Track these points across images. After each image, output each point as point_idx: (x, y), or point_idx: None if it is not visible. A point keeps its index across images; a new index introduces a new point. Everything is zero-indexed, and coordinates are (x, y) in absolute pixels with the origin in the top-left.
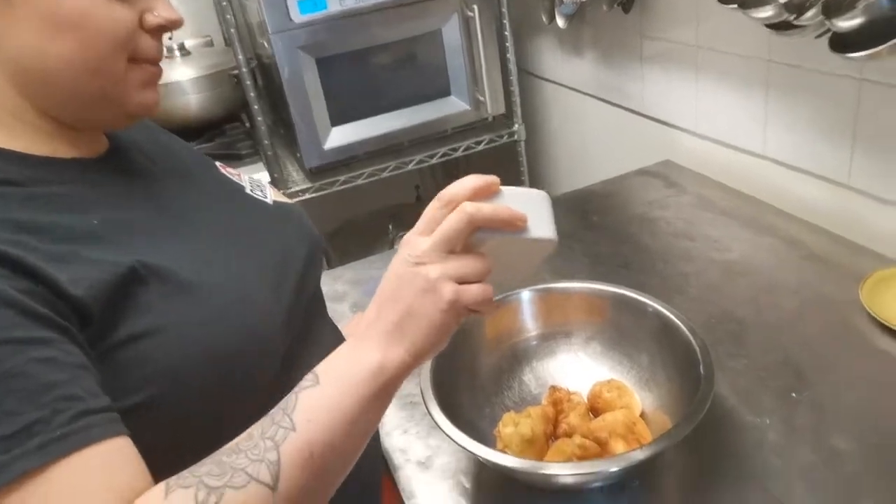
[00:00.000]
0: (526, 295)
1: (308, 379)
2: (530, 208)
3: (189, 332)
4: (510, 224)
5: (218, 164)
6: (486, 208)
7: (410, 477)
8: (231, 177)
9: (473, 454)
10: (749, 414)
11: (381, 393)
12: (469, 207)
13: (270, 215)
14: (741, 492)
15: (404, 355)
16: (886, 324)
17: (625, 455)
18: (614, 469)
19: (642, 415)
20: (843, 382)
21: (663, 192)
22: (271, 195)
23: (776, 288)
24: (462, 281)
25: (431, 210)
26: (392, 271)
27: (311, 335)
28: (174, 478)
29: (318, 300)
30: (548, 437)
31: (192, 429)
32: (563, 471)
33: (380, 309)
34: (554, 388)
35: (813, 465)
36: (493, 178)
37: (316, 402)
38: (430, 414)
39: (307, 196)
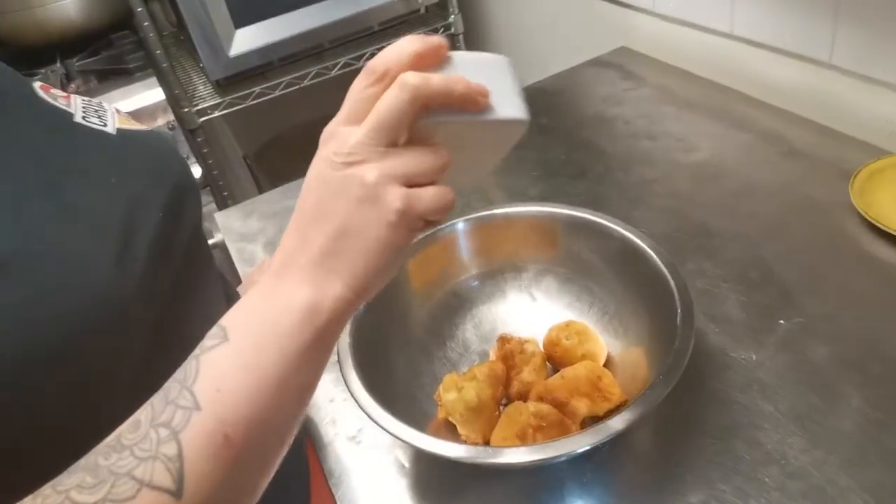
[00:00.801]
0: (461, 226)
1: (212, 336)
2: (491, 79)
3: None
4: (468, 101)
5: (37, 84)
6: (434, 80)
7: (340, 454)
8: (54, 101)
9: (404, 441)
10: (732, 349)
11: (317, 342)
12: (412, 79)
13: (110, 149)
14: (728, 448)
15: (343, 290)
16: (881, 226)
17: (592, 430)
18: (579, 451)
19: (608, 362)
20: (838, 301)
21: (619, 86)
22: (115, 122)
23: (753, 192)
24: (411, 183)
25: (359, 88)
26: (314, 178)
27: (190, 295)
28: (28, 498)
29: (196, 251)
30: (498, 401)
31: (45, 437)
32: (515, 458)
33: (303, 232)
34: (503, 339)
35: (811, 410)
36: (438, 40)
37: (227, 366)
38: (349, 387)
39: (219, 113)
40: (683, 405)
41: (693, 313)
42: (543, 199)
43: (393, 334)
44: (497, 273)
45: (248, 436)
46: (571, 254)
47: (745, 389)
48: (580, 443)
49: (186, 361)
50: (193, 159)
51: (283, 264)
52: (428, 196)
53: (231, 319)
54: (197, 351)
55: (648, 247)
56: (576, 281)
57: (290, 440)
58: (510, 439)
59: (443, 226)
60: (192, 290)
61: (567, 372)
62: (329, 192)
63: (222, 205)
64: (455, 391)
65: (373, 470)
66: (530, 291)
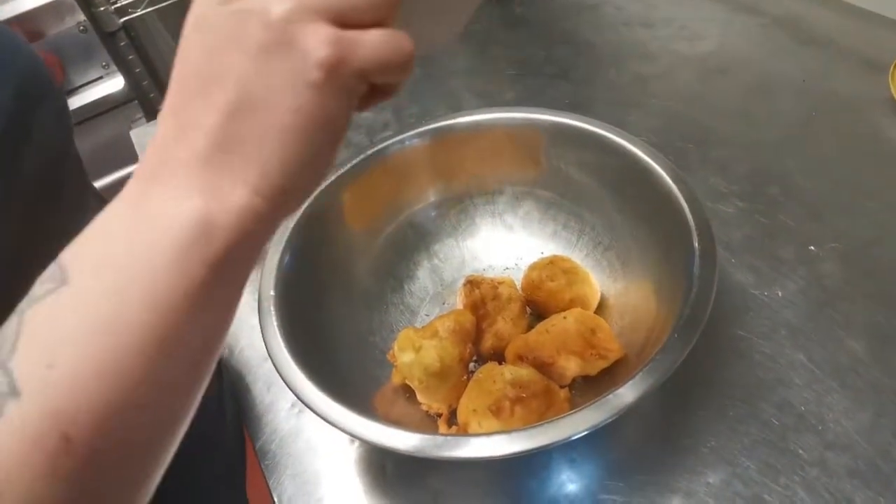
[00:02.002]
0: (416, 140)
1: (45, 280)
2: None
3: None
4: None
5: None
6: None
7: (278, 427)
8: None
9: (337, 427)
10: (752, 285)
11: (213, 278)
12: None
13: None
14: (751, 412)
15: (248, 196)
16: None
17: (592, 407)
18: (575, 437)
19: (602, 306)
20: (881, 221)
21: None
22: None
23: (769, 89)
24: (344, 20)
25: None
26: (193, 25)
27: (46, 247)
28: None
29: (59, 183)
30: (466, 362)
31: None
32: (488, 450)
33: (183, 112)
34: (472, 282)
35: (853, 361)
36: None
37: (64, 325)
38: (269, 352)
39: (144, 11)
40: (694, 359)
41: (715, 249)
42: (519, 102)
43: (332, 282)
44: (464, 198)
45: (104, 432)
46: (557, 172)
47: (770, 336)
48: (576, 426)
49: (7, 322)
50: (114, 68)
51: (157, 163)
52: (371, 41)
53: (74, 252)
54: (22, 304)
55: (655, 161)
56: (562, 206)
57: (184, 424)
58: (481, 413)
59: (391, 141)
60: (50, 239)
61: (553, 325)
62: (216, 42)
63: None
64: (412, 352)
65: (318, 446)
66: (505, 220)
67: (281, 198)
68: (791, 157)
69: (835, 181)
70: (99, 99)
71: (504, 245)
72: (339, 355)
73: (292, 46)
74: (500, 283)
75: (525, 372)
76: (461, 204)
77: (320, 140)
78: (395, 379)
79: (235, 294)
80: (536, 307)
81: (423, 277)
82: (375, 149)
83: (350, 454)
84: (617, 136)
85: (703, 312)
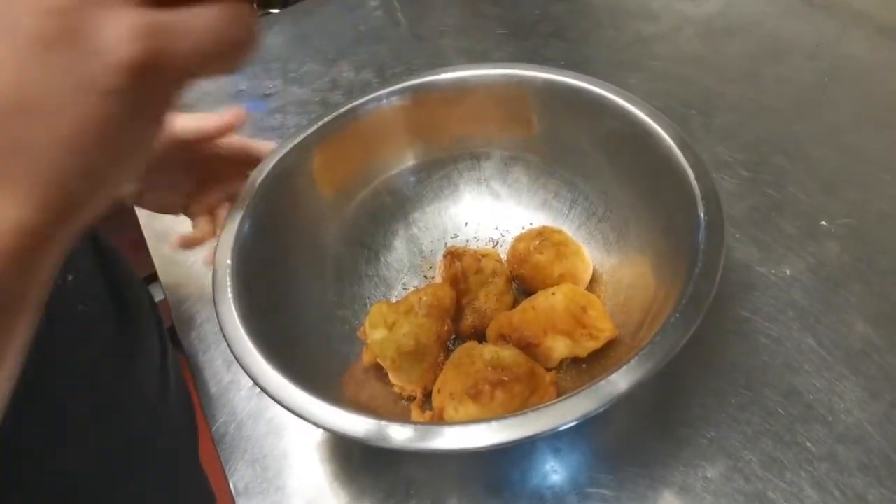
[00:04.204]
0: (395, 99)
1: None
2: None
3: None
4: None
5: None
6: None
7: (242, 423)
8: None
9: (297, 414)
10: (758, 262)
11: None
12: None
13: None
14: (755, 399)
15: (20, 209)
16: None
17: (582, 394)
18: (561, 428)
19: (594, 282)
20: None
21: None
22: None
23: (779, 52)
24: None
25: None
26: None
27: None
28: None
29: None
30: (444, 341)
31: None
32: (465, 441)
33: None
34: (452, 254)
35: (866, 345)
36: None
37: None
38: (221, 328)
39: None
40: (694, 341)
41: (723, 221)
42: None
43: (297, 250)
44: (447, 162)
45: None
46: (549, 135)
47: (776, 317)
48: (563, 415)
49: None
50: None
51: None
52: (197, 26)
53: None
54: None
55: (658, 123)
56: (554, 173)
57: None
58: (458, 397)
59: (366, 98)
60: None
61: (540, 302)
62: None
63: None
64: (384, 328)
65: (280, 430)
66: (492, 187)
67: (63, 213)
68: (801, 126)
69: (847, 151)
70: None
71: (489, 214)
72: (303, 331)
73: (80, 40)
74: (483, 255)
75: (508, 353)
76: (444, 169)
77: (117, 154)
78: (366, 358)
79: (15, 324)
80: (523, 282)
81: (399, 248)
82: (349, 106)
83: (315, 439)
84: (616, 95)
85: (709, 290)
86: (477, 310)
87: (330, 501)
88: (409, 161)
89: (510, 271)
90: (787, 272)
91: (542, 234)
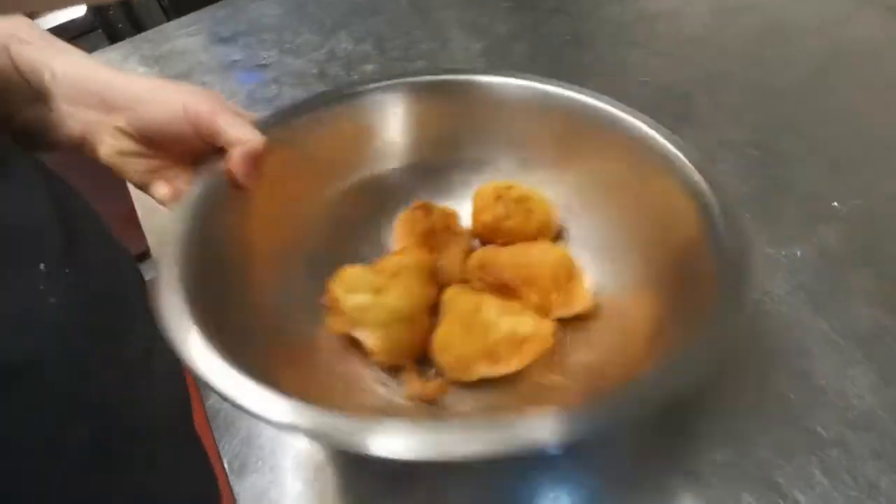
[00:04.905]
0: (386, 94)
1: None
2: None
3: None
4: None
5: None
6: None
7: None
8: None
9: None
10: (768, 242)
11: None
12: None
13: None
14: (764, 383)
15: None
16: None
17: (601, 403)
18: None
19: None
20: None
21: None
22: None
23: (788, 32)
24: None
25: None
26: None
27: None
28: None
29: None
30: (432, 308)
31: None
32: (466, 446)
33: None
34: (425, 208)
35: (879, 328)
36: None
37: None
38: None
39: None
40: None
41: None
42: (513, 37)
43: (256, 243)
44: (441, 168)
45: None
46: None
47: (786, 299)
48: (580, 429)
49: None
50: None
51: None
52: None
53: None
54: None
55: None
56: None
57: None
58: (477, 360)
59: (346, 88)
60: None
61: (525, 254)
62: None
63: None
64: (369, 292)
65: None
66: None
67: None
68: (809, 105)
69: (857, 131)
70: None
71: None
72: (261, 310)
73: None
74: (448, 213)
75: (523, 320)
76: (430, 171)
77: None
78: (336, 326)
79: None
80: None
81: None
82: (337, 93)
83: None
84: (633, 117)
85: (736, 311)
86: (441, 268)
87: (328, 480)
88: (402, 161)
89: (475, 233)
90: (798, 254)
91: (500, 198)
